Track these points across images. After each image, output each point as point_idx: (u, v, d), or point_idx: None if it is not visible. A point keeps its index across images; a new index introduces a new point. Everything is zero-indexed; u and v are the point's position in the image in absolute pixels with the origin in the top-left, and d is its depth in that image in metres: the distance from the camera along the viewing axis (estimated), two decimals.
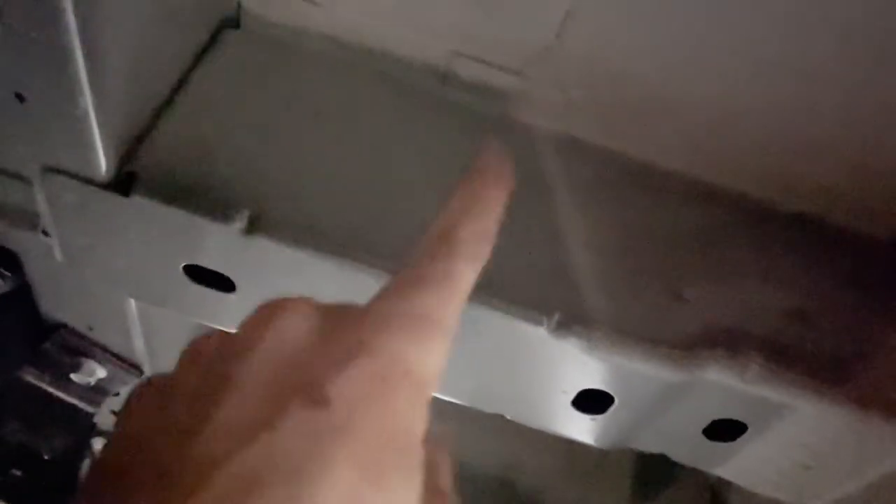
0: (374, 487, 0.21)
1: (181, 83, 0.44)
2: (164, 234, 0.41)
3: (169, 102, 0.43)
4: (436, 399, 0.47)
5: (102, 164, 0.38)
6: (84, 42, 0.33)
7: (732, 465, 0.49)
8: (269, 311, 0.25)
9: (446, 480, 0.27)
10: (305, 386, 0.22)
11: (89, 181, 0.39)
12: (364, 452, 0.21)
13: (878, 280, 0.47)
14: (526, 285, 0.41)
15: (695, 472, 0.71)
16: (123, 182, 0.39)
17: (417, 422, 0.23)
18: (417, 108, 0.48)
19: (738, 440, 0.47)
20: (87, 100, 0.36)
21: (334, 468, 0.21)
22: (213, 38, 0.46)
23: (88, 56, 0.34)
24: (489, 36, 0.45)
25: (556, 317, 0.40)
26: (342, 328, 0.24)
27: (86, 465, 0.73)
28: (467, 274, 0.27)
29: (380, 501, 0.21)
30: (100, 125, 0.37)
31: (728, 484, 0.74)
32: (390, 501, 0.22)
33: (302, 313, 0.25)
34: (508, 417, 0.49)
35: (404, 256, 0.27)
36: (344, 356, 0.23)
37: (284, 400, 0.22)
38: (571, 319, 0.40)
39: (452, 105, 0.48)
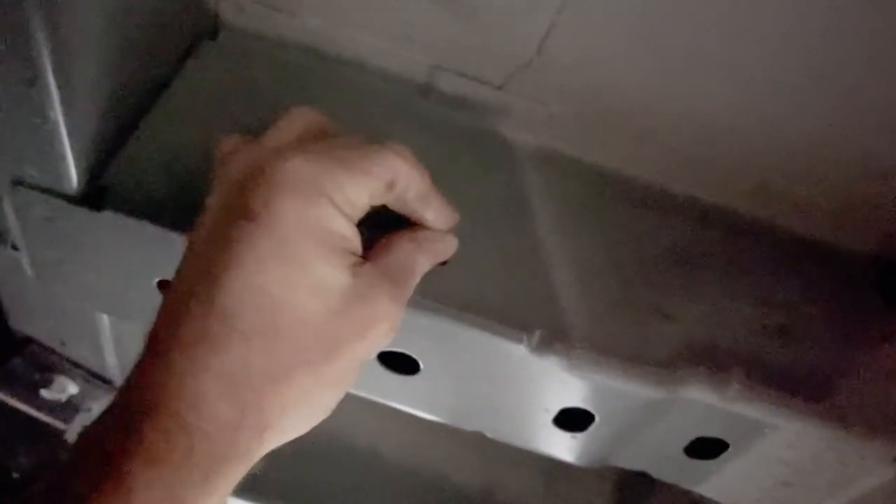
0: (300, 270, 0.30)
1: (156, 95, 0.43)
2: (136, 249, 0.40)
3: (143, 115, 0.42)
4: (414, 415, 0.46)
5: (73, 177, 0.37)
6: (53, 55, 0.32)
7: (713, 482, 0.49)
8: (232, 147, 0.34)
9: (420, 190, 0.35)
10: (242, 207, 0.31)
11: (59, 195, 0.38)
12: (284, 248, 0.30)
13: (861, 296, 0.47)
14: (506, 303, 0.41)
15: (676, 488, 0.71)
16: (94, 196, 0.38)
17: (326, 215, 0.31)
18: (398, 121, 0.47)
19: (720, 458, 0.46)
20: (57, 113, 0.35)
21: (263, 261, 0.30)
22: (190, 50, 0.45)
23: (58, 69, 0.33)
24: (470, 49, 0.45)
25: (537, 335, 0.40)
26: (270, 157, 0.32)
27: None
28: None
29: (305, 280, 0.30)
30: (70, 139, 0.36)
31: (710, 501, 0.74)
32: (314, 274, 0.31)
33: (254, 149, 0.33)
34: (489, 436, 0.49)
35: None
36: (262, 176, 0.31)
37: (232, 217, 0.31)
38: (552, 337, 0.40)
39: (433, 118, 0.48)
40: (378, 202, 0.34)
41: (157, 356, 0.30)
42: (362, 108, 0.47)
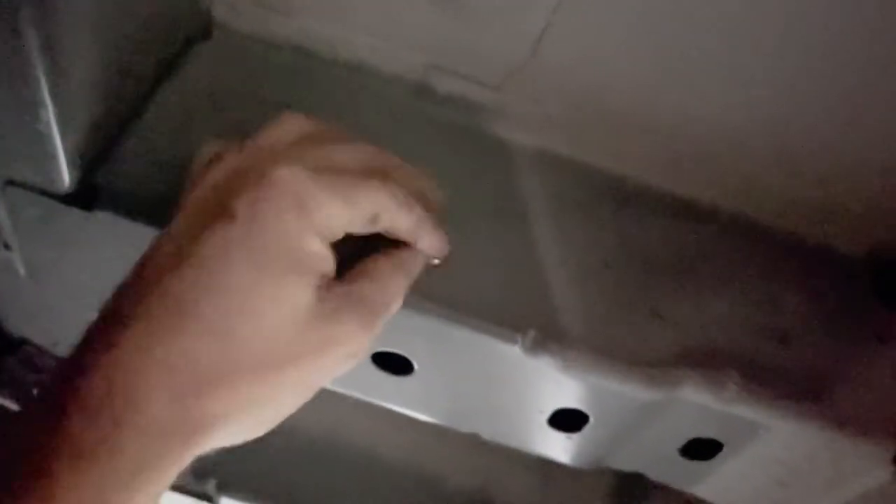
0: (265, 277, 0.30)
1: (149, 95, 0.43)
2: (129, 249, 0.39)
3: (136, 115, 0.42)
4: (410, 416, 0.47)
5: (65, 177, 0.37)
6: (46, 54, 0.32)
7: (709, 483, 0.49)
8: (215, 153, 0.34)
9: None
10: (222, 207, 0.30)
11: (52, 195, 0.38)
12: (257, 253, 0.30)
13: (856, 296, 0.47)
14: (500, 303, 0.41)
15: (671, 489, 0.71)
16: (87, 196, 0.38)
17: (304, 232, 0.31)
18: (392, 121, 0.47)
19: (715, 459, 0.46)
20: (49, 112, 0.35)
21: (233, 261, 0.30)
22: (184, 50, 0.45)
23: (51, 68, 0.33)
24: (465, 49, 0.45)
25: (531, 335, 0.40)
26: (258, 162, 0.31)
27: None
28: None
29: (272, 290, 0.30)
30: (63, 138, 0.36)
31: (705, 502, 0.73)
32: (282, 286, 0.30)
33: (247, 151, 0.33)
34: (484, 437, 0.49)
35: None
36: (252, 180, 0.31)
37: (211, 216, 0.30)
38: (546, 338, 0.40)
39: (428, 119, 0.48)
40: (360, 231, 0.34)
41: (98, 335, 0.29)
42: (357, 109, 0.47)
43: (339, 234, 0.32)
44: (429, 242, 0.37)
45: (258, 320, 0.30)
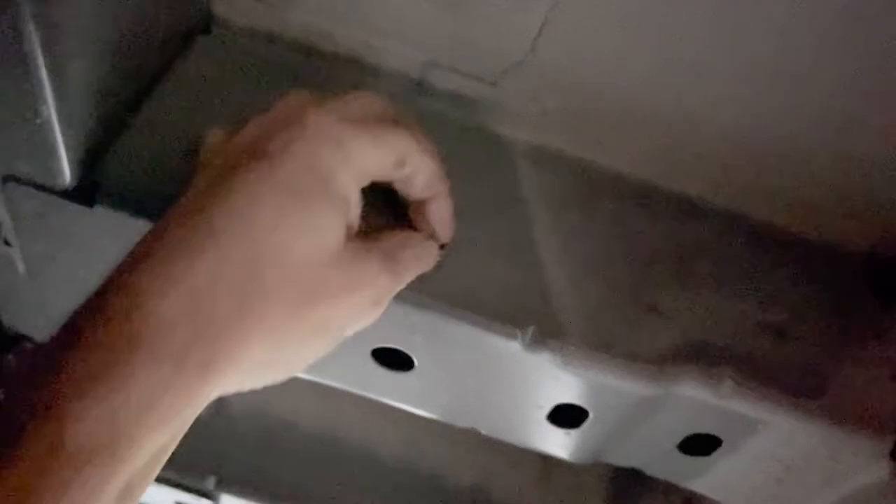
0: (296, 207, 0.30)
1: (149, 90, 0.43)
2: (129, 245, 0.39)
3: (136, 110, 0.42)
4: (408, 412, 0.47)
5: (66, 173, 0.37)
6: (45, 49, 0.32)
7: (706, 479, 0.49)
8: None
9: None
10: (256, 145, 0.31)
11: (51, 191, 0.38)
12: (290, 185, 0.30)
13: (853, 292, 0.47)
14: (499, 299, 0.41)
15: (670, 485, 0.71)
16: (86, 192, 0.38)
17: (337, 167, 0.31)
18: None
19: (713, 455, 0.46)
20: (50, 108, 0.35)
21: (266, 192, 0.29)
22: (183, 45, 0.45)
23: (50, 64, 0.33)
24: (464, 46, 0.45)
25: (530, 331, 0.40)
26: (286, 113, 0.32)
27: None
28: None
29: (301, 217, 0.30)
30: (63, 134, 0.36)
31: (703, 497, 0.74)
32: (311, 216, 0.30)
33: (256, 119, 0.33)
34: (482, 432, 0.49)
35: None
36: (283, 125, 0.31)
37: (242, 159, 0.30)
38: (545, 334, 0.40)
39: (427, 115, 0.48)
40: (384, 177, 0.34)
41: (122, 265, 0.29)
42: None
43: (369, 176, 0.33)
44: (445, 207, 0.38)
45: (286, 249, 0.30)
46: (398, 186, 0.36)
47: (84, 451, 0.25)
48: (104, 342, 0.26)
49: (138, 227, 0.38)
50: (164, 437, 0.28)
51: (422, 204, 0.37)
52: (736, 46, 0.41)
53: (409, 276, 0.36)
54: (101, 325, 0.27)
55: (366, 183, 0.33)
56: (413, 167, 0.34)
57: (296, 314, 0.30)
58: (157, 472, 0.30)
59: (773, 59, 0.41)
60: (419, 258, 0.37)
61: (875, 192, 0.47)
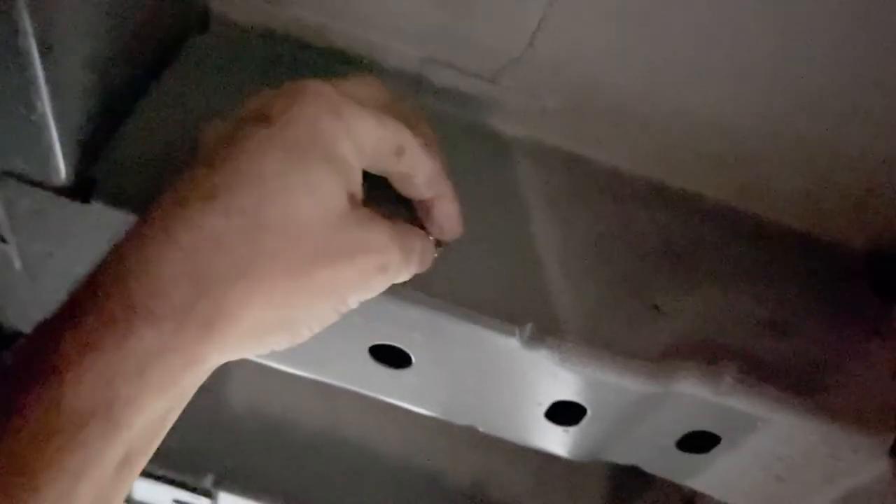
0: (298, 165, 0.29)
1: (145, 88, 0.43)
2: None
3: (133, 107, 0.41)
4: (407, 410, 0.47)
5: (61, 169, 0.37)
6: (41, 45, 0.32)
7: (705, 476, 0.49)
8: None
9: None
10: (258, 113, 0.31)
11: (47, 187, 0.37)
12: (292, 145, 0.30)
13: (853, 290, 0.47)
14: (498, 296, 0.41)
15: (668, 483, 0.71)
16: (83, 188, 0.37)
17: (338, 133, 0.31)
18: None
19: (711, 452, 0.46)
20: (45, 104, 0.34)
21: (267, 151, 0.29)
22: (180, 42, 0.45)
23: (46, 59, 0.33)
24: (462, 42, 0.45)
25: (529, 328, 0.40)
26: (289, 86, 0.32)
27: None
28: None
29: (304, 177, 0.30)
30: (58, 130, 0.36)
31: (702, 495, 0.74)
32: (314, 176, 0.30)
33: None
34: (481, 430, 0.49)
35: None
36: (285, 95, 0.31)
37: (244, 125, 0.31)
38: (544, 331, 0.40)
39: (425, 112, 0.47)
40: (382, 166, 0.33)
41: (123, 236, 0.28)
42: None
43: (367, 155, 0.32)
44: (450, 207, 0.37)
45: (290, 208, 0.29)
46: (400, 187, 0.36)
47: (82, 415, 0.25)
48: (102, 307, 0.26)
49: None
50: (162, 403, 0.28)
51: (427, 204, 0.37)
52: (735, 44, 0.41)
53: (414, 262, 0.36)
54: (98, 291, 0.27)
55: (365, 163, 0.33)
56: (411, 162, 0.34)
57: (298, 273, 0.30)
58: (154, 446, 0.29)
59: (771, 57, 0.41)
60: (424, 251, 0.37)
61: (876, 189, 0.47)
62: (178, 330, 0.27)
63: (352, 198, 0.32)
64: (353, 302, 0.33)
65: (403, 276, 0.35)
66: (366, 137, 0.32)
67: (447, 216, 0.38)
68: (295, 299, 0.30)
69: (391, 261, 0.33)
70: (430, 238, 0.38)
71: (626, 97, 0.46)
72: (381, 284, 0.34)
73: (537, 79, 0.45)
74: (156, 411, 0.28)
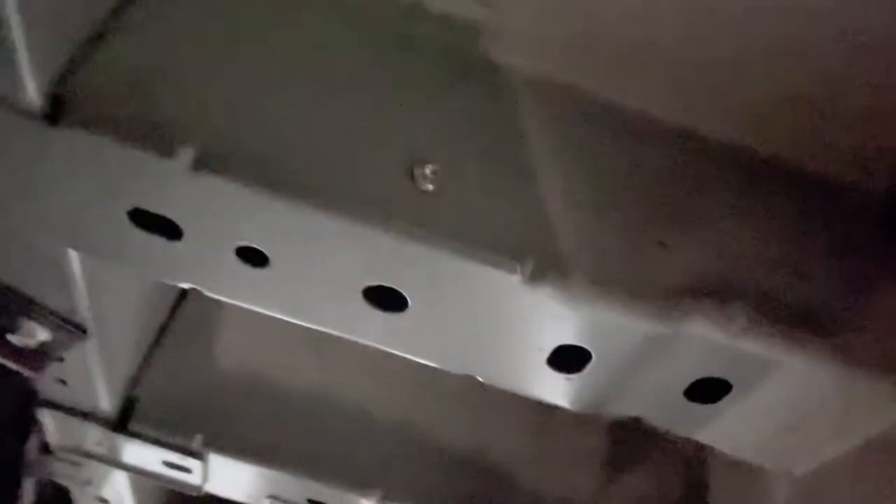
0: None
1: (123, 6, 0.40)
2: (99, 171, 0.37)
3: (109, 27, 0.39)
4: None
5: (30, 88, 0.34)
6: None
7: (713, 428, 0.47)
8: None
9: None
10: None
11: (15, 108, 0.35)
12: None
13: (868, 232, 0.45)
14: (498, 232, 0.38)
15: (670, 445, 0.69)
16: (53, 109, 0.35)
17: None
18: (378, 42, 0.44)
19: (721, 401, 0.44)
20: (11, 18, 0.32)
21: None
22: None
23: None
24: None
25: (530, 264, 0.37)
26: None
27: (32, 441, 0.69)
28: None
29: None
30: (27, 46, 0.33)
31: (703, 461, 0.72)
32: None
33: None
34: (480, 379, 0.47)
35: None
36: None
37: None
38: (546, 267, 0.38)
39: (417, 41, 0.45)
40: None
41: None
42: (340, 29, 0.44)
43: None
44: None
45: None
46: None
47: None
48: None
49: (108, 150, 0.35)
50: None
51: None
52: None
53: None
54: None
55: None
56: None
57: None
58: None
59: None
60: None
61: (891, 129, 0.45)
62: None
63: None
64: None
65: None
66: None
67: None
68: None
69: None
70: None
71: (633, 28, 0.43)
72: None
73: (539, 5, 0.43)
74: None
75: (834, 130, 0.45)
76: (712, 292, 0.39)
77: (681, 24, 0.42)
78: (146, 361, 0.67)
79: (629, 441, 0.73)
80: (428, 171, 0.38)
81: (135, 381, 0.65)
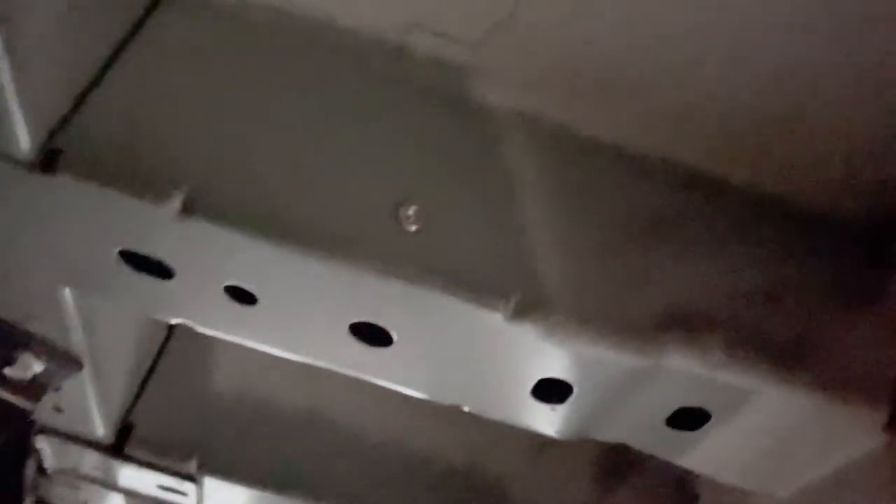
0: None
1: (114, 56, 0.41)
2: (93, 216, 0.38)
3: (101, 77, 0.40)
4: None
5: (25, 141, 0.35)
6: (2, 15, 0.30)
7: (696, 454, 0.48)
8: None
9: None
10: None
11: (11, 159, 0.36)
12: None
13: (845, 260, 0.46)
14: (482, 270, 0.39)
15: (660, 465, 0.70)
16: (47, 160, 0.36)
17: None
18: (370, 84, 0.45)
19: (702, 429, 0.45)
20: (5, 71, 0.33)
21: None
22: (150, 8, 0.43)
23: (6, 24, 0.31)
24: (445, 5, 0.43)
25: (513, 302, 0.38)
26: None
27: (30, 465, 0.70)
28: None
29: None
30: (20, 99, 0.34)
31: (694, 478, 0.73)
32: None
33: None
34: (467, 409, 0.48)
35: None
36: None
37: None
38: (529, 305, 0.39)
39: (407, 82, 0.46)
40: None
41: None
42: (332, 71, 0.45)
43: None
44: None
45: None
46: None
47: None
48: None
49: (101, 196, 0.36)
50: None
51: None
52: (731, 9, 0.40)
53: None
54: None
55: None
56: None
57: None
58: None
59: (766, 27, 0.40)
60: None
61: (868, 156, 0.46)
62: None
63: None
64: None
65: None
66: None
67: None
68: None
69: None
70: None
71: (613, 64, 0.44)
72: None
73: (524, 44, 0.44)
74: None
75: (810, 161, 0.46)
76: (690, 325, 0.40)
77: (662, 62, 0.43)
78: (142, 387, 0.68)
79: (621, 457, 0.74)
80: (411, 211, 0.39)
81: (130, 407, 0.66)
